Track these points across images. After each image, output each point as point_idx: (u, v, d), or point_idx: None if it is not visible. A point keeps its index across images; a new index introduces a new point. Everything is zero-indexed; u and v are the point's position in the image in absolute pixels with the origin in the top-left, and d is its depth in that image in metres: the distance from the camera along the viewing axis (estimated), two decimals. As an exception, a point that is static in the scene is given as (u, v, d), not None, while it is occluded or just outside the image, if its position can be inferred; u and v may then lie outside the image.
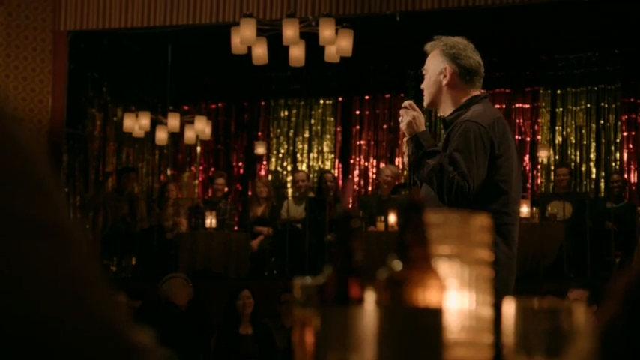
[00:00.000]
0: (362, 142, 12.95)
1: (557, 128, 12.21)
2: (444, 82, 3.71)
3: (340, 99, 13.06)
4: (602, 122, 12.02)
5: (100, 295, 0.90)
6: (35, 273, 0.86)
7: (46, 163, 0.92)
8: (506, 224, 3.59)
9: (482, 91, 3.77)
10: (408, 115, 3.60)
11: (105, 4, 9.09)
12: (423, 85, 3.79)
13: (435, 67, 3.74)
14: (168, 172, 13.20)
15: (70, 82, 9.57)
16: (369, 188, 12.65)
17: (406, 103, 3.68)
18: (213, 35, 9.58)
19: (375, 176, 12.50)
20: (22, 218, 0.87)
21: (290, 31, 8.03)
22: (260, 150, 12.87)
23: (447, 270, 1.15)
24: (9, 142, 0.89)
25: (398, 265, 1.08)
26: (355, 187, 12.76)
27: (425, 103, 3.80)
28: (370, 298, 1.12)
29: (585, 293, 6.36)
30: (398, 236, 1.10)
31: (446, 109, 3.70)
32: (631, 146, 12.01)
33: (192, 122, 11.02)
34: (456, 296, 1.15)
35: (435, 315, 1.07)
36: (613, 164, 11.89)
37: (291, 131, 13.16)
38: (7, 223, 0.86)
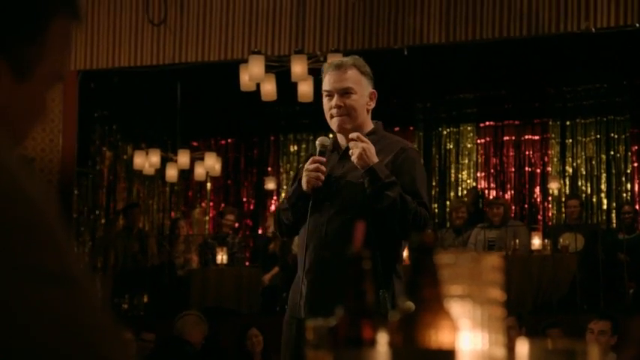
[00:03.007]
0: (372, 176, 12.93)
1: (567, 159, 12.20)
2: (371, 106, 3.59)
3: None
4: (612, 153, 12.00)
5: (110, 342, 0.90)
6: (47, 323, 0.87)
7: (56, 213, 0.93)
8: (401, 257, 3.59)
9: None
10: (358, 148, 3.39)
11: (115, 43, 9.16)
12: (345, 105, 3.49)
13: (364, 88, 3.55)
14: (179, 209, 13.22)
15: (81, 120, 9.62)
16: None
17: (353, 135, 3.44)
18: (221, 72, 9.63)
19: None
20: (33, 269, 0.88)
21: (298, 67, 8.07)
22: (270, 185, 12.88)
23: (460, 310, 1.14)
24: (20, 192, 0.90)
25: (410, 306, 1.08)
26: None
27: (346, 126, 3.51)
28: (383, 339, 1.11)
29: (608, 324, 6.32)
30: (409, 277, 1.10)
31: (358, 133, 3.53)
32: (642, 176, 11.98)
33: (202, 159, 11.05)
34: (469, 337, 1.15)
35: (448, 356, 1.06)
36: (624, 195, 11.85)
37: (301, 166, 13.15)
38: (18, 273, 0.87)
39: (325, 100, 3.56)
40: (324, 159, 3.50)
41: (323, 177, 3.47)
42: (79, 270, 0.91)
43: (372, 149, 3.39)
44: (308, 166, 3.51)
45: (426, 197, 3.46)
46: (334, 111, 3.51)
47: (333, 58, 7.93)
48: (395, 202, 3.33)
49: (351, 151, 3.42)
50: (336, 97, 3.51)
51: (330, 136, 3.72)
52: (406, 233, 3.39)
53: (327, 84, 3.55)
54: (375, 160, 3.39)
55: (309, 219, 3.47)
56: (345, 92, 3.50)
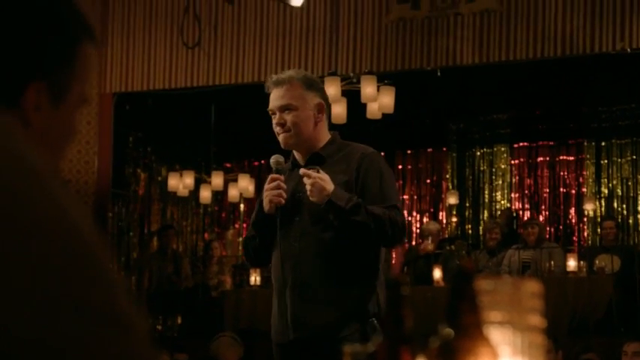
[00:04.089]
0: (405, 197, 12.92)
1: (602, 180, 12.10)
2: (320, 118, 3.51)
3: (382, 154, 13.03)
4: (648, 174, 11.90)
5: None
6: None
7: (106, 251, 0.93)
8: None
9: None
10: (309, 184, 3.32)
11: (149, 66, 9.24)
12: (287, 121, 3.43)
13: (307, 102, 3.47)
14: (213, 230, 13.26)
15: (115, 142, 9.71)
16: (413, 242, 12.59)
17: (301, 171, 3.38)
18: (255, 94, 9.64)
19: (418, 231, 12.43)
20: (84, 308, 0.88)
21: (332, 89, 8.07)
22: (303, 206, 12.89)
23: (499, 337, 1.13)
24: (73, 231, 0.91)
25: (449, 333, 1.07)
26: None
27: (288, 142, 3.46)
28: (422, 366, 1.10)
29: (642, 346, 6.27)
30: (448, 303, 1.10)
31: (312, 147, 3.50)
32: (678, 197, 11.86)
33: (235, 180, 11.09)
34: (509, 364, 1.14)
35: (488, 384, 1.05)
36: (660, 216, 11.74)
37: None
38: (68, 312, 0.87)
39: (272, 118, 3.52)
40: (282, 177, 3.44)
41: (285, 194, 3.41)
42: (128, 306, 0.91)
43: (323, 180, 3.31)
44: (267, 185, 3.45)
45: (395, 198, 3.43)
46: (277, 128, 3.47)
47: (367, 80, 7.96)
48: (366, 224, 3.28)
49: (308, 191, 3.34)
50: (277, 114, 3.47)
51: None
52: (390, 243, 3.43)
53: (269, 102, 3.51)
54: (330, 188, 3.31)
55: (279, 239, 3.41)
56: (285, 109, 3.45)
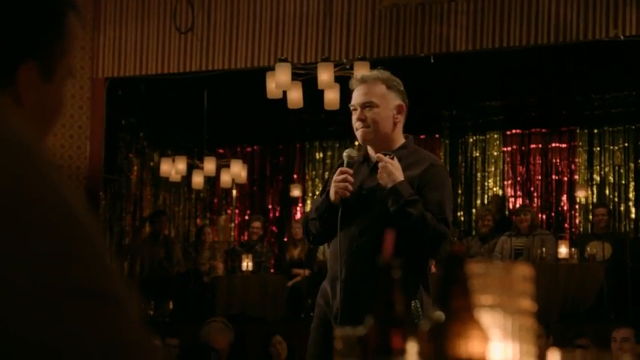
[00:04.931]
0: (397, 184, 12.92)
1: (594, 168, 12.12)
2: (398, 119, 3.67)
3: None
4: (640, 161, 11.92)
5: (150, 359, 0.91)
6: (91, 341, 0.88)
7: (101, 234, 0.94)
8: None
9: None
10: (381, 167, 3.52)
11: (142, 51, 9.21)
12: (367, 117, 3.62)
13: (389, 102, 3.64)
14: (205, 216, 13.25)
15: (108, 127, 9.68)
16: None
17: (378, 155, 3.57)
18: (248, 80, 9.66)
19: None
20: (78, 287, 0.89)
21: (325, 75, 8.07)
22: (295, 192, 12.90)
23: (490, 321, 1.13)
24: (68, 213, 0.91)
25: (440, 316, 1.08)
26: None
27: (367, 138, 3.65)
28: (412, 349, 1.11)
29: (630, 332, 6.29)
30: (439, 287, 1.10)
31: (386, 147, 3.65)
32: (670, 185, 11.88)
33: (228, 166, 11.08)
34: (499, 347, 1.14)
35: (478, 367, 1.06)
36: (652, 203, 11.77)
37: (327, 173, 13.18)
38: (63, 292, 0.87)
39: (352, 113, 3.69)
40: (351, 170, 3.59)
41: (351, 188, 3.56)
42: (120, 285, 0.92)
43: (395, 167, 3.49)
44: (336, 177, 3.59)
45: (448, 214, 3.54)
46: (358, 124, 3.65)
47: (360, 66, 7.95)
48: (417, 219, 3.42)
49: (378, 175, 3.53)
50: (359, 110, 3.64)
51: (356, 146, 3.80)
52: (425, 247, 3.49)
53: (352, 98, 3.70)
54: (400, 178, 3.48)
55: (339, 230, 3.55)
56: (367, 105, 3.63)
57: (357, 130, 3.65)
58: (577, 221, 12.20)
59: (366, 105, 3.62)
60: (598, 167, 12.11)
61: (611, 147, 12.05)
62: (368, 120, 3.61)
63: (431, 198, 3.50)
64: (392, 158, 3.53)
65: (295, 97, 8.34)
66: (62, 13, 1.18)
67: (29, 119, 1.11)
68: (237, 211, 13.52)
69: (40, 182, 0.92)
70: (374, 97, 3.62)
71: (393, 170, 3.48)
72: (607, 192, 12.02)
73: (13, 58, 1.12)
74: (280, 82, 8.07)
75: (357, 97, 3.66)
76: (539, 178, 12.45)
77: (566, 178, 12.34)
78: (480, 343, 1.07)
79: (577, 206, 12.20)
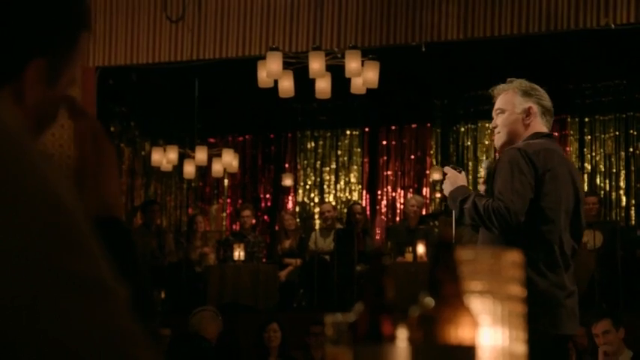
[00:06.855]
0: (389, 173, 12.94)
1: (586, 156, 12.14)
2: (527, 120, 3.80)
3: (367, 130, 13.08)
4: (631, 150, 11.93)
5: (140, 347, 0.91)
6: (80, 330, 0.88)
7: (84, 213, 0.94)
8: (552, 252, 3.74)
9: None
10: (448, 179, 3.80)
11: (133, 40, 9.18)
12: (498, 124, 3.83)
13: (516, 105, 3.81)
14: (196, 205, 13.24)
15: (99, 116, 9.66)
16: (397, 219, 12.62)
17: (445, 169, 3.89)
18: (239, 69, 9.64)
19: (402, 206, 12.47)
20: (67, 276, 0.89)
21: (316, 64, 8.06)
22: (287, 182, 12.89)
23: (480, 306, 1.14)
24: (56, 200, 0.91)
25: (430, 302, 1.08)
26: (383, 217, 12.73)
27: (500, 142, 3.85)
28: (402, 335, 1.11)
29: (608, 322, 6.26)
30: (429, 273, 1.10)
31: None
32: (661, 173, 11.91)
33: (219, 155, 11.07)
34: (489, 333, 1.14)
35: (468, 352, 1.06)
36: (643, 192, 11.80)
37: (318, 162, 13.18)
38: (52, 280, 0.87)
39: None
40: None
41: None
42: (110, 274, 0.92)
43: (451, 179, 3.78)
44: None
45: (504, 193, 3.59)
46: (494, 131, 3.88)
47: (351, 55, 7.94)
48: (470, 211, 3.64)
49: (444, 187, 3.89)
50: (493, 118, 3.88)
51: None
52: (493, 231, 3.62)
53: None
54: (453, 187, 3.75)
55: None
56: (497, 113, 3.85)
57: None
58: (568, 210, 12.21)
59: (496, 112, 3.84)
60: (589, 156, 12.13)
61: (602, 135, 12.07)
62: (497, 126, 3.82)
63: (496, 179, 3.65)
64: (459, 171, 3.80)
65: (286, 86, 8.33)
66: (80, 24, 1.21)
67: (26, 118, 1.12)
68: (228, 200, 13.51)
69: (27, 170, 0.91)
70: (500, 104, 3.82)
71: (455, 180, 3.75)
72: (598, 180, 12.05)
73: (28, 50, 1.13)
74: (271, 71, 8.06)
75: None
76: (531, 166, 12.46)
77: (557, 167, 12.35)
78: (469, 329, 1.07)
79: (568, 195, 12.22)
